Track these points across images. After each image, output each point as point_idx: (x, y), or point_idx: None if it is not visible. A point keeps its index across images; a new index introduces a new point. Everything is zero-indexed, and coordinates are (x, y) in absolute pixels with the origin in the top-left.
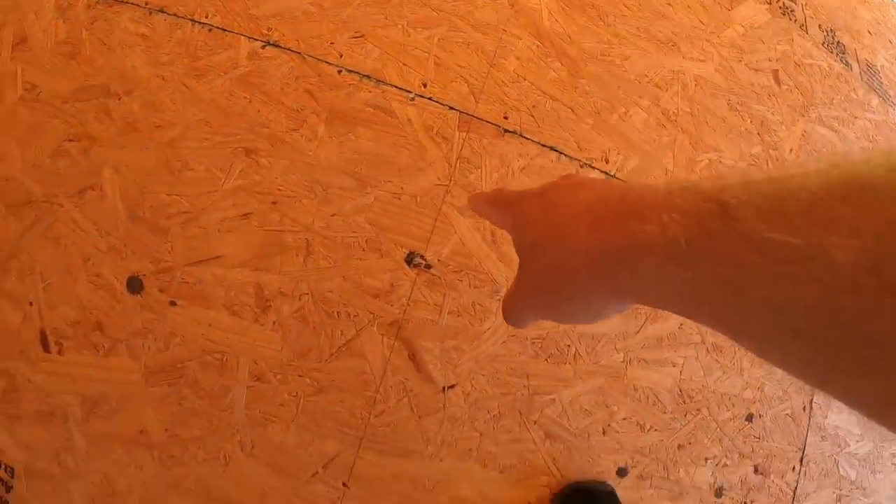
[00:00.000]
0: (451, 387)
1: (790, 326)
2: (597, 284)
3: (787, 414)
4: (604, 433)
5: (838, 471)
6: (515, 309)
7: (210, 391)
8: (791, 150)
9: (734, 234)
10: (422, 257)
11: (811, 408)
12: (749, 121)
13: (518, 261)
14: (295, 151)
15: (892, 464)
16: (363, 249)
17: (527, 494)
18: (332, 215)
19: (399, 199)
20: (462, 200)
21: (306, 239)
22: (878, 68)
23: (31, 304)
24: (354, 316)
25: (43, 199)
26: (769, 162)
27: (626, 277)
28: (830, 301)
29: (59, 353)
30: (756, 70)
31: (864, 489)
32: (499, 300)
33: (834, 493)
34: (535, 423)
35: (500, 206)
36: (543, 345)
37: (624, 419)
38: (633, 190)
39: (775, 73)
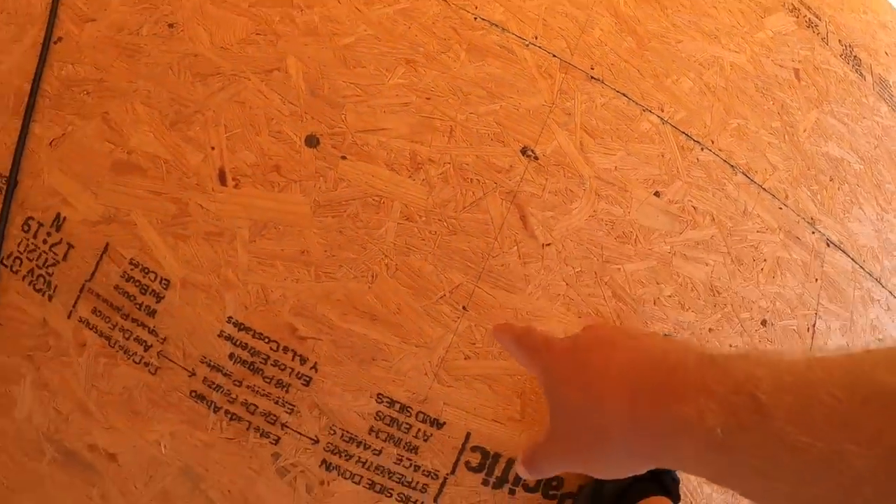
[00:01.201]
0: (548, 244)
1: None
2: (635, 453)
3: (793, 329)
4: (654, 303)
5: None
6: (545, 462)
7: (367, 224)
8: (804, 130)
9: (767, 432)
10: (532, 151)
11: (814, 330)
12: (772, 102)
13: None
14: (444, 66)
15: None
16: (491, 139)
17: None
18: (470, 113)
19: (517, 109)
20: (561, 118)
21: (450, 125)
22: (892, 84)
23: (212, 148)
24: (483, 183)
25: (231, 73)
26: (786, 136)
27: (664, 454)
28: (849, 502)
29: (236, 187)
30: (780, 66)
31: None
32: (584, 190)
33: None
34: (605, 283)
35: (528, 352)
36: (614, 227)
37: (669, 296)
38: (665, 355)
39: (796, 71)
